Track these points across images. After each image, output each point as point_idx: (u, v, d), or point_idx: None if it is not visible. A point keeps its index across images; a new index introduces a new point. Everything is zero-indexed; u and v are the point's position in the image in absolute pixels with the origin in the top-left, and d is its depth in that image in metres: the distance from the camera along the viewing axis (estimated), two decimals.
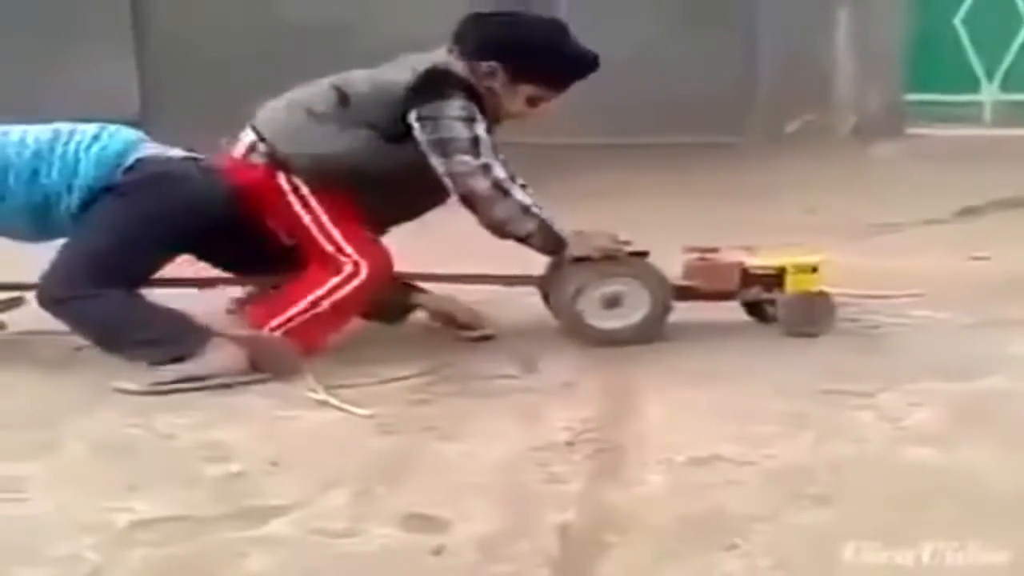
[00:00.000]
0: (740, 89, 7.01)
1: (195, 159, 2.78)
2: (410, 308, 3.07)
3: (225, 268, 2.97)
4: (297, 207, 2.81)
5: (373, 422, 2.34)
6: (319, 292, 2.75)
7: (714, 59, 6.81)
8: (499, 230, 2.81)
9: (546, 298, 3.06)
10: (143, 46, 6.30)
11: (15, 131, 2.70)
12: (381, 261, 2.82)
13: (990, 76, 7.71)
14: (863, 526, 1.77)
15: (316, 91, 2.88)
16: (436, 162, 2.77)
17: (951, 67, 7.69)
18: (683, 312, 2.97)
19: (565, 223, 2.87)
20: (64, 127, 2.69)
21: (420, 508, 1.89)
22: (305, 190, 2.81)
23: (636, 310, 2.89)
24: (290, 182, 2.82)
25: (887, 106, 7.51)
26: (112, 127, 2.71)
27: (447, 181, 2.77)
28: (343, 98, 2.83)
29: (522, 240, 2.82)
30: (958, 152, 6.83)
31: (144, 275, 2.68)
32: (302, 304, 2.74)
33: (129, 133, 2.72)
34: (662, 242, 3.01)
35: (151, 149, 2.72)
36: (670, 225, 3.83)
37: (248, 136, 2.89)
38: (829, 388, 2.47)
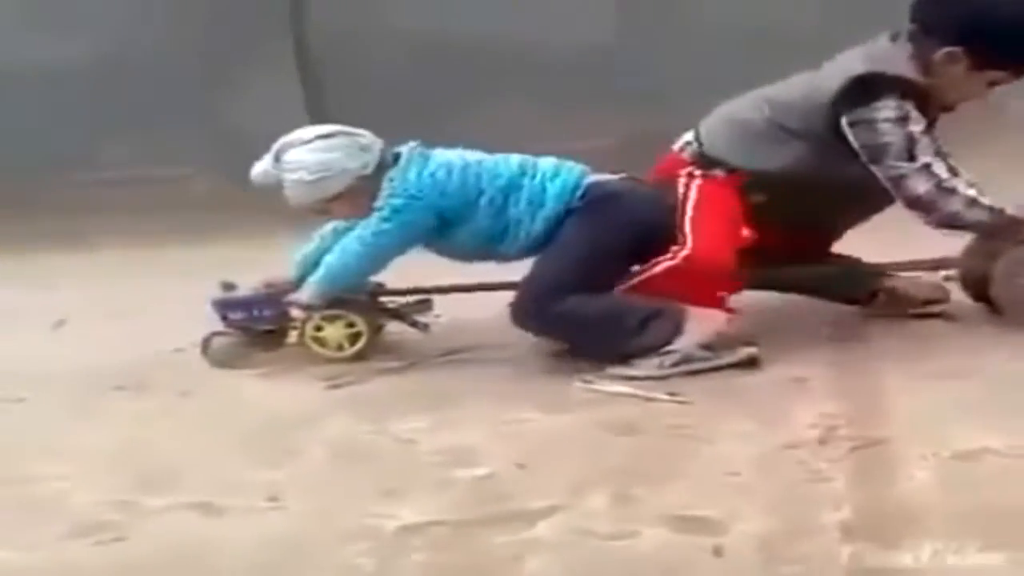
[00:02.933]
0: None
1: (635, 179, 2.90)
2: (876, 291, 2.98)
3: None
4: (681, 187, 2.77)
5: (608, 423, 2.29)
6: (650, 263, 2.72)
7: None
8: (948, 225, 2.71)
9: (964, 280, 2.92)
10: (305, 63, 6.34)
11: (484, 159, 2.85)
12: (702, 252, 2.69)
13: None
14: None
15: (747, 103, 2.86)
16: (874, 168, 2.69)
17: None
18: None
19: None
20: (526, 160, 2.85)
21: (685, 509, 1.83)
22: (697, 175, 2.78)
23: None
24: (691, 168, 2.81)
25: None
26: (567, 163, 2.85)
27: (888, 186, 2.69)
28: (773, 110, 2.79)
29: (967, 227, 2.73)
30: None
31: (609, 285, 2.74)
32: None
33: (579, 166, 2.87)
34: None
35: (596, 176, 2.85)
36: None
37: (688, 136, 2.94)
38: None
